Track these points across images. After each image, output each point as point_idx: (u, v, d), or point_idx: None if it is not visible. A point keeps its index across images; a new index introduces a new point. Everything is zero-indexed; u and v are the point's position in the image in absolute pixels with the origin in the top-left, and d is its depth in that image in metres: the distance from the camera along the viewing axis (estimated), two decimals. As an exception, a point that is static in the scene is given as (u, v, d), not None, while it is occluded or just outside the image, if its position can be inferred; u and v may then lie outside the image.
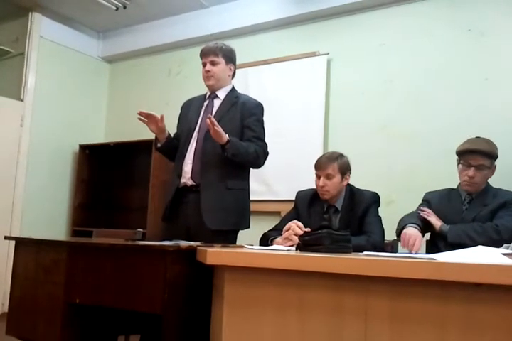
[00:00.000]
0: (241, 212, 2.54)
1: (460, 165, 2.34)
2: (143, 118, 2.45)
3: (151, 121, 2.46)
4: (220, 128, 2.29)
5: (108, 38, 5.20)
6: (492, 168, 2.32)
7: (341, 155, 2.38)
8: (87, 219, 4.70)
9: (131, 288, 1.82)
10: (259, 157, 2.51)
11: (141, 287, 1.80)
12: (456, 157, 2.37)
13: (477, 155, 2.27)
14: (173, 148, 2.62)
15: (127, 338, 2.90)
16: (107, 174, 4.90)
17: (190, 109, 2.66)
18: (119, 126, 5.07)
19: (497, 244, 1.84)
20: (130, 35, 5.04)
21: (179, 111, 2.78)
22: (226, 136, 2.34)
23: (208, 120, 2.28)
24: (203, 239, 2.24)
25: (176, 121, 2.76)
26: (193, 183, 2.48)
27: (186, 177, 2.50)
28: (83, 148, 4.80)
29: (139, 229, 2.26)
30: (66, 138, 4.83)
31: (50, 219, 4.63)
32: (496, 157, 2.32)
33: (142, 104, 4.92)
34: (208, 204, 2.43)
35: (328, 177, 2.30)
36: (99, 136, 5.12)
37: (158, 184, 4.13)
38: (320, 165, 2.34)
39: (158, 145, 2.60)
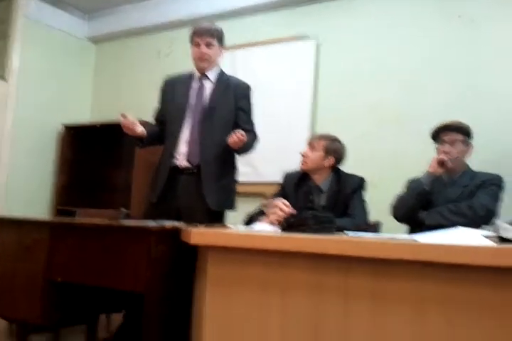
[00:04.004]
0: (234, 194, 2.61)
1: (436, 146, 2.38)
2: (123, 121, 2.39)
3: (127, 125, 2.40)
4: (245, 139, 2.34)
5: (95, 18, 5.08)
6: (468, 146, 2.36)
7: (336, 140, 2.42)
8: (71, 199, 4.66)
9: (115, 267, 1.82)
10: (255, 146, 2.62)
11: (124, 266, 1.80)
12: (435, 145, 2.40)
13: (449, 131, 2.34)
14: (156, 137, 2.60)
15: (109, 316, 2.92)
16: (91, 154, 4.85)
17: (176, 88, 2.62)
18: (105, 107, 5.00)
19: (475, 223, 1.88)
20: (117, 15, 4.93)
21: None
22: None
23: (240, 135, 2.29)
24: (196, 220, 2.23)
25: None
26: (188, 165, 2.48)
27: (180, 159, 2.49)
28: (68, 128, 4.74)
29: (122, 209, 2.26)
30: (51, 118, 4.76)
31: (34, 199, 4.60)
32: (470, 134, 2.36)
33: (129, 85, 4.87)
34: (209, 185, 2.45)
35: (312, 148, 2.37)
36: (84, 117, 5.06)
37: (143, 164, 4.10)
38: (311, 137, 2.50)
39: (141, 144, 2.58)
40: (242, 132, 2.33)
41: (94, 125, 4.65)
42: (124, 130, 2.43)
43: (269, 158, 3.82)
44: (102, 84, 5.14)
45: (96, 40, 5.20)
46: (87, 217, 2.86)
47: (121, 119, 2.39)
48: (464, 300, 1.24)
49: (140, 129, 2.45)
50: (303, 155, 2.39)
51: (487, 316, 1.21)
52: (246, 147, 2.49)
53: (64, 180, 4.71)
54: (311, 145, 2.39)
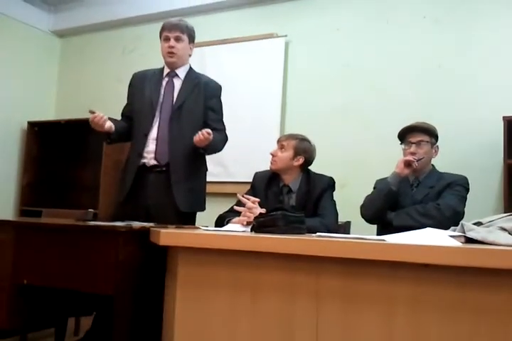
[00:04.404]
0: (203, 194, 2.59)
1: (402, 147, 2.41)
2: (91, 117, 2.35)
3: (97, 122, 2.36)
4: (211, 138, 2.32)
5: (59, 12, 4.97)
6: (434, 148, 2.40)
7: (306, 140, 2.43)
8: (37, 199, 4.55)
9: (82, 269, 1.78)
10: (224, 146, 2.62)
11: (92, 268, 1.76)
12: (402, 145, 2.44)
13: (415, 132, 2.37)
14: (124, 133, 2.57)
15: (78, 320, 2.86)
16: (57, 152, 4.74)
17: (145, 85, 2.58)
18: (70, 103, 4.89)
19: (442, 224, 1.91)
20: (83, 9, 4.83)
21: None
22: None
23: (205, 133, 2.28)
24: (166, 220, 2.21)
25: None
26: (156, 163, 2.45)
27: (148, 158, 2.46)
28: (32, 125, 4.62)
29: (90, 210, 2.21)
30: (14, 115, 4.63)
31: (-2, 199, 4.47)
32: (436, 135, 2.41)
33: (95, 80, 4.78)
34: (179, 186, 2.42)
35: (281, 148, 2.39)
36: (49, 113, 4.94)
37: (111, 163, 4.04)
38: (280, 137, 2.49)
39: (109, 141, 2.54)
40: (209, 130, 2.32)
41: (58, 121, 4.54)
42: (92, 126, 2.39)
43: (240, 158, 3.81)
44: (67, 80, 5.04)
45: (61, 34, 5.09)
46: (53, 218, 2.80)
47: (89, 115, 2.35)
48: (432, 299, 1.26)
49: (108, 124, 2.41)
50: (273, 155, 2.39)
51: (455, 315, 1.24)
52: (213, 146, 2.47)
53: (29, 179, 4.59)
54: (281, 145, 2.40)
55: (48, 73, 5.02)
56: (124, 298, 1.72)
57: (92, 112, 2.35)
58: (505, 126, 2.92)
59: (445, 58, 3.43)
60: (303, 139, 2.43)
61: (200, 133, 2.31)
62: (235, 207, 2.15)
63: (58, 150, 4.75)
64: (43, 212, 3.24)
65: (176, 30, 2.51)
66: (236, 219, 2.08)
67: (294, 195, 2.36)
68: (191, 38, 2.59)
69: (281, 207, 1.79)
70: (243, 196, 2.18)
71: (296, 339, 1.38)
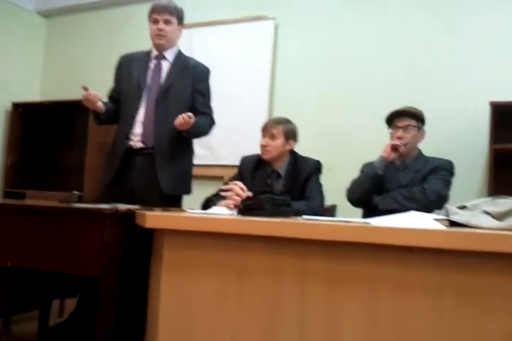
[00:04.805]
0: (189, 177, 2.58)
1: (390, 131, 2.42)
2: (85, 94, 2.33)
3: (90, 99, 2.34)
4: (191, 121, 2.30)
5: (44, -10, 4.86)
6: (421, 132, 2.41)
7: (289, 121, 2.42)
8: (20, 181, 4.50)
9: (67, 251, 1.77)
10: (211, 130, 2.60)
11: (77, 250, 1.75)
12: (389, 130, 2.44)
13: (402, 116, 2.38)
14: (113, 115, 2.54)
15: (62, 302, 2.86)
16: (42, 134, 4.69)
17: (132, 67, 2.55)
18: (55, 84, 4.81)
19: (427, 208, 1.93)
20: (69, -12, 4.73)
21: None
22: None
23: (186, 117, 2.26)
24: (151, 203, 2.20)
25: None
26: (143, 146, 2.43)
27: (135, 140, 2.44)
28: (16, 106, 4.55)
29: (75, 192, 2.19)
30: (-2, 96, 4.55)
31: (-20, 180, 4.42)
32: (423, 120, 2.41)
33: (81, 62, 4.70)
34: (164, 168, 2.41)
35: (272, 137, 2.34)
36: (34, 94, 4.86)
37: (96, 145, 3.99)
38: (266, 125, 2.40)
39: (98, 121, 2.53)
40: (190, 114, 2.30)
41: (43, 103, 4.49)
42: (85, 103, 2.37)
43: (227, 141, 3.80)
44: (52, 61, 4.95)
45: (46, 15, 4.98)
46: (37, 200, 2.78)
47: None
48: (416, 281, 1.28)
49: (100, 103, 2.40)
50: (264, 145, 2.35)
51: (438, 297, 1.26)
52: (196, 130, 2.44)
53: (13, 160, 4.53)
54: (271, 134, 2.34)
55: (33, 54, 4.92)
56: (109, 280, 1.72)
57: (86, 89, 2.33)
58: (491, 111, 2.93)
59: (433, 44, 3.42)
60: (287, 121, 2.41)
61: (180, 116, 2.29)
62: (222, 193, 2.13)
63: (43, 131, 4.69)
64: (26, 194, 3.21)
65: (166, 13, 2.48)
66: (222, 202, 2.08)
67: (282, 180, 2.36)
68: (180, 20, 2.56)
69: (269, 190, 1.79)
70: (228, 183, 2.16)
71: (282, 320, 1.39)
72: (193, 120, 2.30)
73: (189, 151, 2.60)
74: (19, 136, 4.57)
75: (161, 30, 2.48)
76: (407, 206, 2.10)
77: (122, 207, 1.86)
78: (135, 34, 4.24)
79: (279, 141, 2.34)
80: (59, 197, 2.51)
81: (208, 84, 2.60)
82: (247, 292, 1.44)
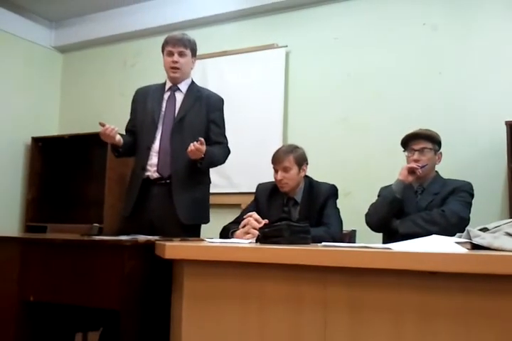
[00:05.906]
0: (207, 206, 2.59)
1: (406, 154, 2.41)
2: (102, 129, 2.38)
3: (108, 133, 2.38)
4: (203, 148, 2.32)
5: (61, 27, 5.02)
6: (437, 154, 2.40)
7: (296, 147, 2.41)
8: (42, 214, 4.55)
9: (88, 284, 1.78)
10: (225, 159, 2.61)
11: (98, 283, 1.76)
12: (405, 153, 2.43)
13: (417, 139, 2.37)
14: (130, 147, 2.58)
15: (85, 335, 2.84)
16: (61, 167, 4.76)
17: (148, 99, 2.60)
18: (73, 118, 4.92)
19: (448, 231, 1.90)
20: (84, 24, 4.88)
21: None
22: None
23: (196, 144, 2.29)
24: (170, 233, 2.22)
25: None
26: (159, 176, 2.46)
27: (152, 170, 2.47)
28: (36, 140, 4.65)
29: (95, 224, 2.21)
30: (18, 130, 4.65)
31: (3, 215, 4.46)
32: (439, 142, 2.40)
33: (97, 95, 4.81)
34: (181, 198, 2.42)
35: (286, 169, 2.32)
36: (52, 128, 4.96)
37: (115, 177, 4.04)
38: (276, 159, 2.36)
39: (117, 154, 2.57)
40: (201, 139, 2.31)
41: (62, 136, 4.57)
42: (103, 138, 2.41)
43: (243, 169, 3.81)
44: (69, 95, 5.07)
45: (63, 50, 5.13)
46: (58, 233, 2.80)
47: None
48: (440, 307, 1.25)
49: (118, 137, 2.44)
50: (280, 180, 2.32)
51: (463, 322, 1.23)
52: (210, 159, 2.45)
53: (34, 194, 4.60)
54: (283, 167, 2.32)
55: (51, 88, 5.05)
56: (130, 313, 1.72)
57: (103, 125, 2.37)
58: (507, 131, 2.91)
59: (445, 65, 3.43)
60: (295, 148, 2.40)
61: (192, 144, 2.31)
62: (239, 230, 2.09)
63: (62, 165, 4.77)
64: (48, 228, 3.24)
65: (180, 45, 2.52)
66: (239, 232, 2.07)
67: (299, 206, 2.35)
68: (194, 52, 2.61)
69: (285, 217, 1.78)
70: (244, 213, 2.14)
71: (304, 350, 1.36)
72: (204, 146, 2.32)
73: (205, 180, 2.61)
74: (39, 169, 4.64)
75: (175, 62, 2.52)
76: (428, 229, 2.08)
77: (142, 238, 1.87)
78: (148, 66, 4.35)
79: (293, 171, 2.33)
80: (80, 229, 2.54)
81: (221, 114, 2.63)
82: (269, 321, 1.42)
